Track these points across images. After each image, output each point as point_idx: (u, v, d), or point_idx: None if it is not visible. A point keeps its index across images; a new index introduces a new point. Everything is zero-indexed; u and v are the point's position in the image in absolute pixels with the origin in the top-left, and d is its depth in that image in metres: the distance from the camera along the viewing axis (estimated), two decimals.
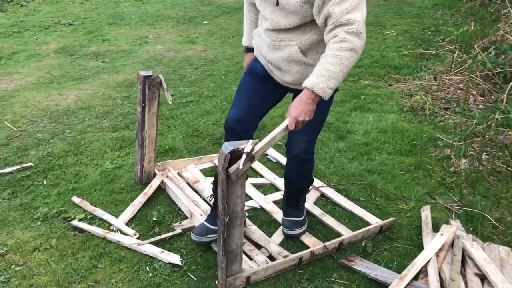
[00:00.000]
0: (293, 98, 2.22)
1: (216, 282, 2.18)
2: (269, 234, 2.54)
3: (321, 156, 3.36)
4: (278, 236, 2.53)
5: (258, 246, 2.44)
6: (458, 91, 4.63)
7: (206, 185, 2.92)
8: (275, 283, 2.22)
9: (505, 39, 5.31)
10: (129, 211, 2.67)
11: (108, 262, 2.31)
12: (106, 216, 2.63)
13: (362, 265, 2.29)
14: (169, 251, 2.39)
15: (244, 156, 1.78)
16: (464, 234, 2.43)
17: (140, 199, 2.77)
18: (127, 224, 2.57)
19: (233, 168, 1.81)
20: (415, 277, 2.15)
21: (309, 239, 2.49)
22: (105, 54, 5.76)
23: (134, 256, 2.36)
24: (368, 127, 3.86)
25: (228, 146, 1.80)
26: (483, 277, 2.13)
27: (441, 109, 4.22)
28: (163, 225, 2.61)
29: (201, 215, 2.61)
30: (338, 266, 2.33)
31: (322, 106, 2.05)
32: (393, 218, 2.63)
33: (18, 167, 3.09)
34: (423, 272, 2.18)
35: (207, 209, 2.68)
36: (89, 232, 2.50)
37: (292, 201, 2.55)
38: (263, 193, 2.89)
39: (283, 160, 3.23)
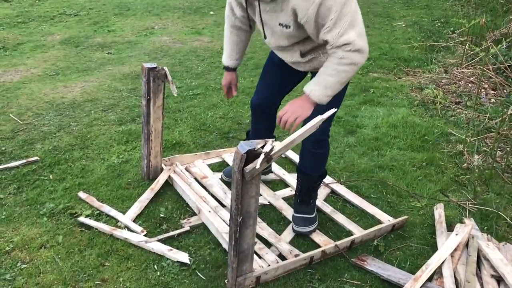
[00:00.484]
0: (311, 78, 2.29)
1: (226, 281, 2.14)
2: (279, 232, 2.49)
3: (331, 151, 3.29)
4: (288, 233, 2.48)
5: (268, 244, 2.40)
6: (470, 85, 4.55)
7: (214, 180, 2.87)
8: (285, 283, 2.18)
9: None
10: (136, 207, 2.63)
11: (116, 260, 2.27)
12: (113, 212, 2.59)
13: (375, 265, 2.24)
14: (177, 249, 2.35)
15: (262, 156, 1.73)
16: (479, 233, 2.37)
17: (147, 195, 2.73)
18: (134, 221, 2.53)
19: (249, 167, 1.75)
20: (429, 278, 2.10)
21: (320, 237, 2.44)
22: (110, 45, 5.70)
23: (141, 254, 2.31)
24: (378, 122, 3.80)
25: (244, 146, 1.74)
26: (499, 279, 2.07)
27: (452, 103, 4.15)
28: (171, 221, 2.56)
29: (209, 211, 2.56)
30: (350, 265, 2.28)
31: (336, 95, 2.14)
32: (406, 217, 2.57)
33: (24, 161, 3.05)
34: (437, 273, 2.13)
35: (216, 205, 2.64)
36: (96, 229, 2.46)
37: (304, 197, 2.50)
38: (272, 190, 2.84)
39: (292, 155, 3.17)
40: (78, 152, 3.22)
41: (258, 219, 2.53)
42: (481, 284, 2.06)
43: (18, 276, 2.16)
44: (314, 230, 2.47)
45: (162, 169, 2.93)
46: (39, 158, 3.10)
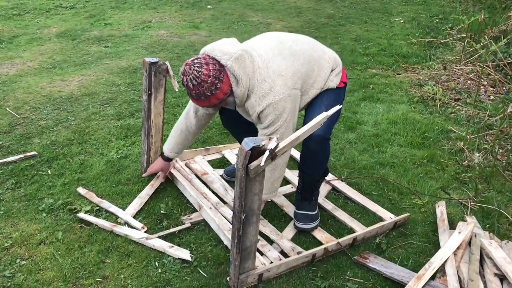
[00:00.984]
0: None
1: (228, 278, 2.12)
2: (280, 229, 2.48)
3: (332, 148, 3.28)
4: (290, 230, 2.47)
5: (270, 241, 2.38)
6: (469, 82, 4.55)
7: (215, 177, 2.85)
8: (287, 280, 2.17)
9: None
10: (136, 204, 2.60)
11: (116, 257, 2.25)
12: (113, 208, 2.56)
13: (377, 263, 2.23)
14: (178, 245, 2.33)
15: (267, 153, 1.71)
16: (481, 231, 2.37)
17: (147, 191, 2.70)
18: (134, 217, 2.51)
19: (253, 164, 1.73)
20: (433, 277, 2.09)
21: (322, 235, 2.43)
22: (107, 38, 5.64)
23: (142, 250, 2.29)
24: (378, 118, 3.78)
25: (249, 143, 1.72)
26: (502, 277, 2.07)
27: (452, 100, 4.14)
28: (172, 218, 2.54)
29: (210, 208, 2.54)
30: (352, 263, 2.27)
31: (336, 96, 2.31)
32: (408, 214, 2.57)
33: (21, 155, 3.01)
34: (440, 271, 2.13)
35: (216, 201, 2.62)
36: (96, 225, 2.44)
37: (306, 194, 2.49)
38: None
39: (293, 152, 3.15)
40: (76, 147, 3.19)
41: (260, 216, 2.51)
42: (484, 283, 2.06)
43: (18, 273, 2.13)
44: (316, 227, 2.46)
45: None
46: (37, 153, 3.07)
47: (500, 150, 3.20)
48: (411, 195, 2.81)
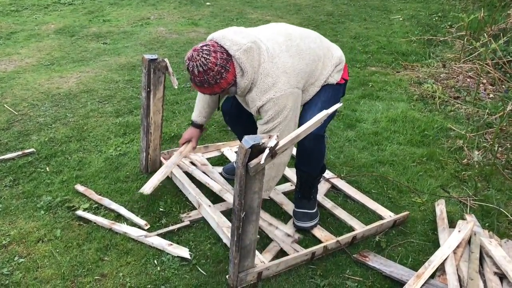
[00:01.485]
0: None
1: (227, 276, 2.12)
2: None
3: (331, 146, 3.28)
4: (289, 228, 2.46)
5: (269, 239, 2.37)
6: (468, 80, 4.54)
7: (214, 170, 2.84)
8: (287, 278, 2.16)
9: None
10: (161, 173, 2.63)
11: (115, 254, 2.24)
12: (114, 205, 2.54)
13: (377, 261, 2.22)
14: (177, 243, 2.32)
15: (267, 151, 1.70)
16: (481, 230, 2.36)
17: (175, 159, 2.67)
18: (135, 213, 2.50)
19: (253, 162, 1.72)
20: (432, 275, 2.09)
21: (321, 233, 2.42)
22: (106, 35, 5.62)
23: (141, 248, 2.28)
24: (377, 116, 3.78)
25: (248, 141, 1.71)
26: (502, 276, 2.07)
27: (451, 98, 4.13)
28: (171, 216, 2.53)
29: (209, 205, 2.54)
30: (352, 261, 2.27)
31: (334, 92, 2.30)
32: (407, 212, 2.56)
33: (19, 152, 3.00)
34: (439, 270, 2.12)
35: (220, 188, 2.65)
36: (95, 223, 2.42)
37: (305, 192, 2.49)
38: None
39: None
40: (75, 144, 3.17)
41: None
42: (484, 281, 2.05)
43: (16, 271, 2.12)
44: (315, 225, 2.45)
45: (161, 163, 2.90)
46: (35, 150, 3.05)
47: (500, 149, 3.20)
48: (411, 193, 2.81)
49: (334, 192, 2.79)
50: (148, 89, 2.68)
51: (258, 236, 2.06)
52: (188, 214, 2.53)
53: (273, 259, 2.22)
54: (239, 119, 2.62)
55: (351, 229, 2.47)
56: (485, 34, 5.29)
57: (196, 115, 2.64)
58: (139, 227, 2.42)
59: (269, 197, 2.69)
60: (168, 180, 2.81)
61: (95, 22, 6.13)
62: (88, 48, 5.16)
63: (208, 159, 3.04)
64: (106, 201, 2.58)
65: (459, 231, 2.28)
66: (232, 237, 1.97)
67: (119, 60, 4.80)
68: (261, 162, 1.72)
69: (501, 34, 5.11)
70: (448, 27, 6.29)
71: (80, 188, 2.69)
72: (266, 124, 2.20)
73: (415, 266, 2.21)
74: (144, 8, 6.91)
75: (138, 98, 3.88)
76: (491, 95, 4.18)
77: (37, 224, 2.41)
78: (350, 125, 3.61)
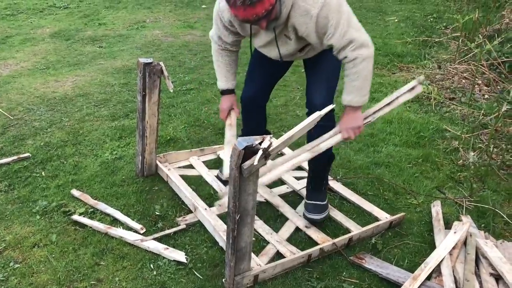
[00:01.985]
0: (304, 65, 2.48)
1: (223, 280, 2.12)
2: (276, 230, 2.46)
3: None
4: (285, 231, 2.46)
5: (265, 242, 2.37)
6: (463, 81, 4.55)
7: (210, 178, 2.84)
8: (283, 281, 2.16)
9: (510, 28, 5.22)
10: (229, 151, 2.45)
11: (111, 259, 2.23)
12: (110, 209, 2.54)
13: (373, 263, 2.23)
14: (173, 247, 2.31)
15: (260, 152, 1.70)
16: (476, 231, 2.37)
17: (231, 133, 2.53)
18: (131, 218, 2.49)
19: (247, 164, 1.72)
20: (428, 277, 2.09)
21: (317, 235, 2.43)
22: (102, 38, 5.62)
23: (137, 252, 2.28)
24: None
25: (242, 142, 1.71)
26: (498, 277, 2.07)
27: (446, 99, 4.15)
28: (166, 219, 2.52)
29: (205, 209, 2.53)
30: (348, 264, 2.27)
31: (332, 57, 2.20)
32: (403, 214, 2.56)
33: (15, 157, 2.99)
34: (436, 271, 2.12)
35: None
36: (90, 227, 2.42)
37: (316, 183, 2.51)
38: (268, 187, 2.81)
39: (288, 152, 3.14)
40: (70, 148, 3.16)
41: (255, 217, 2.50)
42: (480, 283, 2.06)
43: (11, 276, 2.11)
44: (325, 218, 2.48)
45: (157, 166, 2.89)
46: (30, 155, 3.05)
47: (495, 149, 3.21)
48: (407, 194, 2.81)
49: (330, 194, 2.79)
50: (144, 93, 2.68)
51: (254, 239, 2.07)
52: (184, 217, 2.53)
53: (269, 262, 2.22)
54: (260, 108, 2.62)
55: (347, 231, 2.47)
56: (479, 35, 5.32)
57: (224, 82, 2.54)
58: (135, 231, 2.41)
59: (265, 199, 2.69)
60: (164, 184, 2.81)
61: (91, 26, 6.12)
62: (84, 51, 5.16)
63: (204, 162, 3.04)
64: (102, 206, 2.57)
65: (454, 233, 2.28)
66: (227, 240, 1.97)
67: (115, 63, 4.80)
68: (255, 164, 1.72)
69: (496, 35, 5.13)
70: (443, 28, 6.31)
71: (76, 192, 2.68)
72: (333, 35, 2.03)
73: (412, 268, 2.21)
74: (140, 11, 6.91)
75: (133, 101, 3.88)
76: (486, 96, 4.19)
77: (32, 229, 2.40)
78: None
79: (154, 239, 2.35)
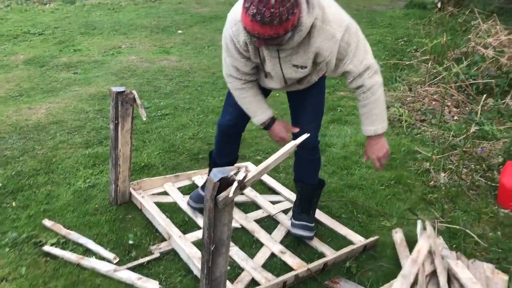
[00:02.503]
0: (289, 98, 2.49)
1: None
2: (252, 256, 2.46)
3: None
4: (261, 257, 2.46)
5: (240, 269, 2.37)
6: (433, 102, 4.67)
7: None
8: None
9: (476, 51, 5.41)
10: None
11: None
12: (82, 239, 2.50)
13: (348, 287, 2.24)
14: (147, 277, 2.29)
15: (235, 184, 1.70)
16: (448, 252, 2.41)
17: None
18: (102, 245, 2.45)
19: (222, 195, 1.73)
20: None
21: (293, 260, 2.43)
22: (76, 65, 5.60)
23: (110, 283, 2.24)
24: (346, 140, 3.84)
25: (217, 174, 1.72)
26: None
27: (417, 121, 4.24)
28: (140, 248, 2.50)
29: (180, 236, 2.52)
30: None
31: (319, 91, 2.35)
32: (377, 237, 2.59)
33: None
34: None
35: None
36: (62, 258, 2.38)
37: (304, 206, 2.57)
38: (243, 212, 2.82)
39: (264, 177, 3.16)
40: (43, 177, 3.12)
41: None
42: None
43: None
44: (312, 238, 2.54)
45: (130, 194, 2.87)
46: (1, 184, 2.99)
47: (465, 170, 3.29)
48: (380, 217, 2.85)
49: None
50: (116, 121, 2.67)
51: (229, 267, 2.06)
52: (158, 245, 2.51)
53: None
54: (237, 135, 2.63)
55: (322, 255, 2.48)
56: (448, 58, 5.49)
57: (263, 114, 2.33)
58: (108, 261, 2.38)
59: (240, 225, 2.69)
60: (138, 212, 2.79)
61: (66, 52, 6.10)
62: (58, 78, 5.13)
63: (179, 188, 3.03)
64: (75, 235, 2.53)
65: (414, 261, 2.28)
66: (202, 270, 1.95)
67: (90, 90, 4.78)
68: (230, 196, 1.73)
69: (463, 57, 5.32)
70: (413, 51, 6.49)
71: (47, 223, 2.64)
72: (354, 57, 2.02)
73: None
74: (115, 37, 6.92)
75: (108, 128, 3.86)
76: (455, 117, 4.31)
77: (1, 262, 2.34)
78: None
79: (128, 268, 2.32)
